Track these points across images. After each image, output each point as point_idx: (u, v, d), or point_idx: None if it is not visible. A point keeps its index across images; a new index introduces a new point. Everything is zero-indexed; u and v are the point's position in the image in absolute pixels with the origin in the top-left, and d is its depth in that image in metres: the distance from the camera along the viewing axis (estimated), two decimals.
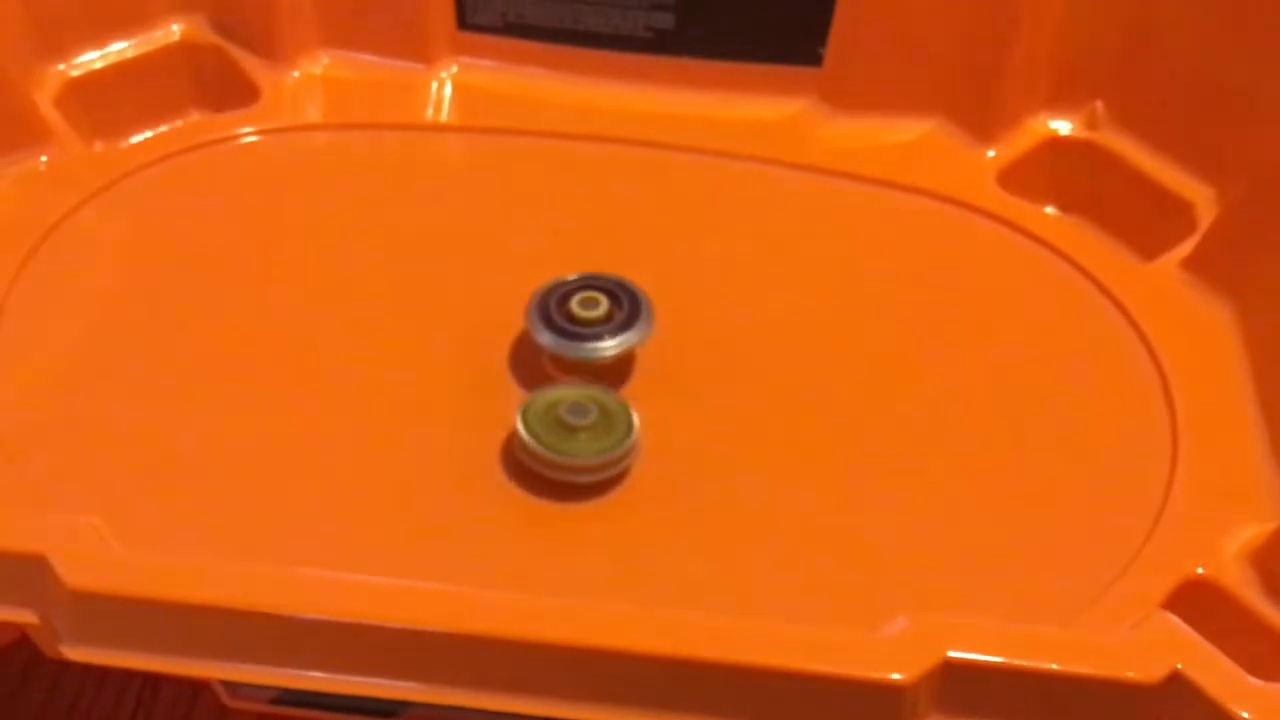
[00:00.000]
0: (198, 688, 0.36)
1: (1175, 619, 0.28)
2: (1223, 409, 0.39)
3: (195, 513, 0.34)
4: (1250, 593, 0.34)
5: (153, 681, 0.37)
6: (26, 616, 0.28)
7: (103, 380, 0.38)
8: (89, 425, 0.36)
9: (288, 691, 0.31)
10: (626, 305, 0.38)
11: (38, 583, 0.27)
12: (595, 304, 0.38)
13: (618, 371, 0.39)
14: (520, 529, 0.35)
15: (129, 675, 0.37)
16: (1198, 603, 0.34)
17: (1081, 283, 0.43)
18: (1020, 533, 0.36)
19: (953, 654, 0.26)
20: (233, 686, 0.32)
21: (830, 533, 0.36)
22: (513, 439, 0.36)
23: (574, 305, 0.38)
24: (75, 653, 0.27)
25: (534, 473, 0.36)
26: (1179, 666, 0.27)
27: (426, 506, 0.36)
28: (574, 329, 0.38)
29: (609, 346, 0.38)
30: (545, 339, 0.38)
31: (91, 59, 0.45)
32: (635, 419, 0.36)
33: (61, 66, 0.44)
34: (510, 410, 0.36)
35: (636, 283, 0.39)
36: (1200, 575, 0.35)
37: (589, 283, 0.39)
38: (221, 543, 0.33)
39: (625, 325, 0.38)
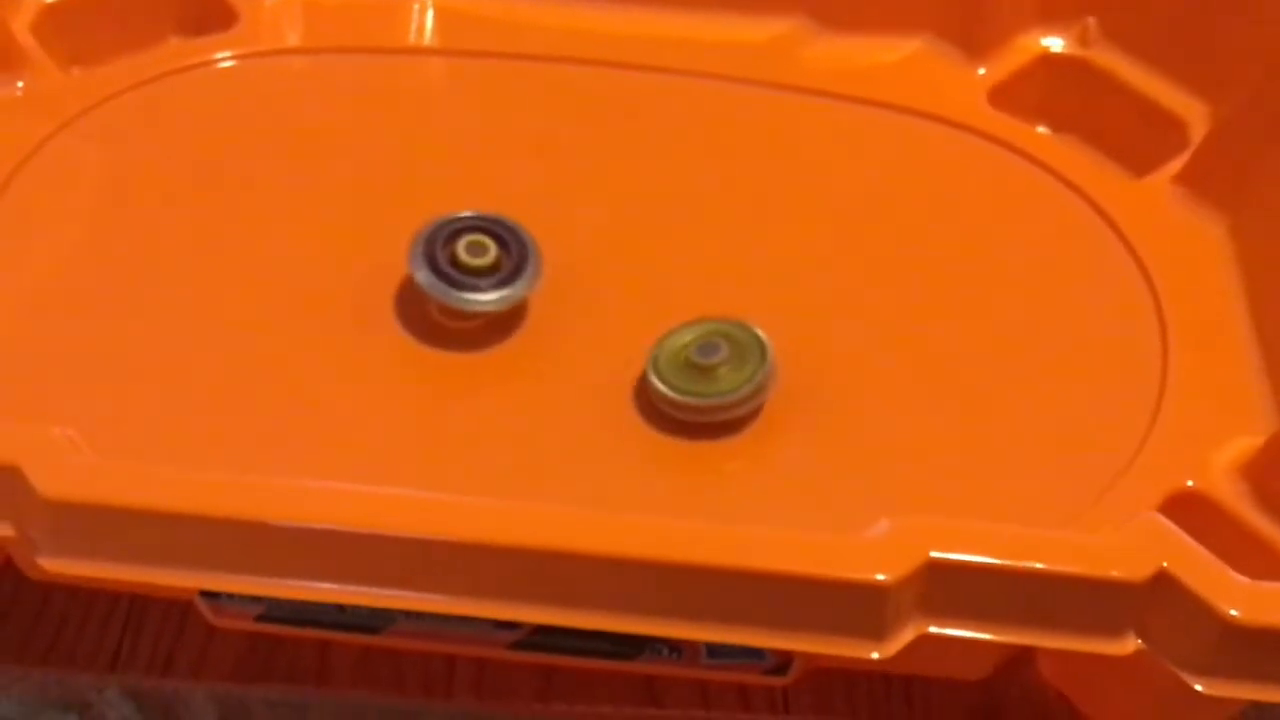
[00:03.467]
0: (184, 609, 0.36)
1: (1162, 519, 0.28)
2: (1214, 323, 0.39)
3: (172, 428, 0.34)
4: (1241, 504, 0.34)
5: (139, 606, 0.37)
6: (4, 529, 0.27)
7: (80, 301, 0.37)
8: (67, 344, 0.36)
9: (273, 607, 0.31)
10: (515, 252, 0.37)
11: (12, 494, 0.27)
12: (483, 250, 0.36)
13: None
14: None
15: (114, 601, 0.37)
16: (1188, 514, 0.33)
17: (1073, 200, 0.42)
18: (1011, 445, 0.36)
19: (936, 554, 0.26)
20: (217, 604, 0.32)
21: (821, 440, 0.36)
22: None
23: (460, 250, 0.36)
24: (52, 564, 0.27)
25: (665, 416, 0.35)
26: (1165, 565, 0.27)
27: (404, 414, 0.36)
28: (458, 276, 0.36)
29: (492, 299, 0.36)
30: (423, 277, 0.36)
31: None
32: (768, 344, 0.35)
33: None
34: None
35: (624, 205, 0.38)
36: (1191, 488, 0.35)
37: (476, 224, 0.37)
38: (199, 458, 0.33)
39: (512, 276, 0.36)
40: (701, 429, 0.35)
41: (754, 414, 0.36)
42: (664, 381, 0.35)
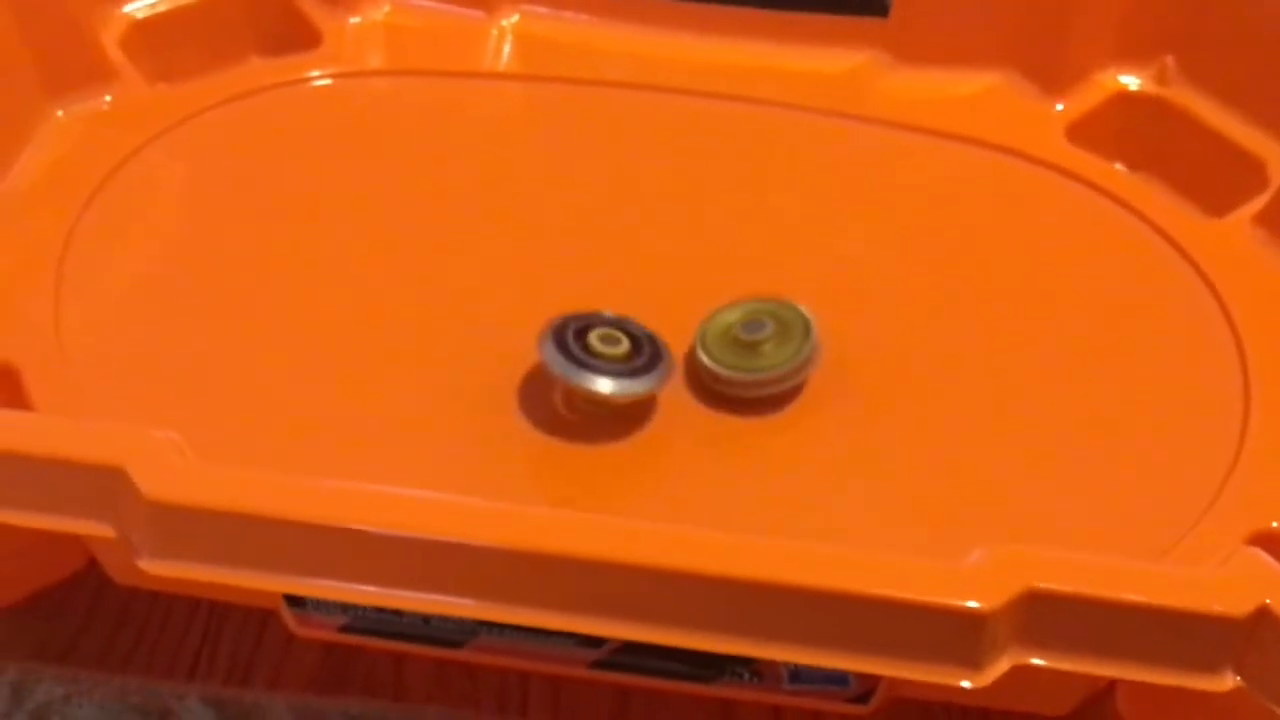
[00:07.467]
0: (262, 619, 0.36)
1: (1262, 554, 0.28)
2: None
3: (268, 433, 0.34)
4: None
5: (218, 615, 0.37)
6: (104, 530, 0.28)
7: (167, 309, 0.38)
8: (158, 350, 0.37)
9: (357, 617, 0.31)
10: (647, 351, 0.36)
11: (115, 495, 0.27)
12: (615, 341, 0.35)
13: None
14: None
15: (194, 609, 0.37)
16: (1272, 556, 0.33)
17: (1152, 238, 0.42)
18: (1092, 480, 0.36)
19: (1037, 584, 0.26)
20: (303, 613, 0.32)
21: (910, 470, 0.36)
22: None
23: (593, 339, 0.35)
24: (153, 566, 0.27)
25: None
26: (1267, 602, 0.26)
27: (481, 427, 0.36)
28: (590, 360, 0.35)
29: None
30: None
31: (155, 1, 0.45)
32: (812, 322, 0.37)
33: (127, 9, 0.44)
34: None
35: (699, 233, 0.39)
36: (1274, 529, 0.34)
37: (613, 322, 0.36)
38: (293, 463, 0.33)
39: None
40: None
41: (802, 402, 0.36)
42: (710, 357, 0.36)
